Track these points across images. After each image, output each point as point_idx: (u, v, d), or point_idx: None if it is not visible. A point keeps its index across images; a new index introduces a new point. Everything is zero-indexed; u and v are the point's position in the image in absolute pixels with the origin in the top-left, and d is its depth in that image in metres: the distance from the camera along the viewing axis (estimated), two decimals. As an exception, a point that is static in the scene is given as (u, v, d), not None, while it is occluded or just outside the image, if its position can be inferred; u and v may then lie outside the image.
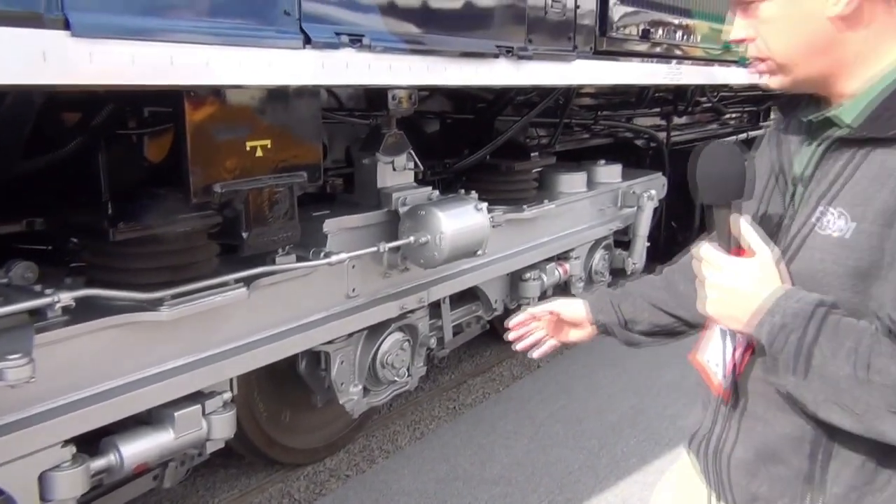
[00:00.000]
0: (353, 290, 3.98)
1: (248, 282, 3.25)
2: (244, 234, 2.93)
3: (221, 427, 3.25)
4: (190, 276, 3.08)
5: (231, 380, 3.42)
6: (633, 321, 1.86)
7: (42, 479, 2.70)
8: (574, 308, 1.93)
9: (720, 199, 1.35)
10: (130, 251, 2.98)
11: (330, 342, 3.97)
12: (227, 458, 4.41)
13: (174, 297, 2.98)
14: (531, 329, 1.98)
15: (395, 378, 4.36)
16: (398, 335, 4.33)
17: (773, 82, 1.38)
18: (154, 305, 2.94)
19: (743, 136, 9.72)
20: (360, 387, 4.24)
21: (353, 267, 3.93)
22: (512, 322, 2.01)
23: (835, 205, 1.28)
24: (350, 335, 4.09)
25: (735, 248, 1.36)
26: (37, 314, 2.71)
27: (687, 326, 1.81)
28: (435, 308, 4.74)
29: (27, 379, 2.37)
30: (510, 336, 2.01)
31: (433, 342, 4.69)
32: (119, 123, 3.03)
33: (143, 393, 2.94)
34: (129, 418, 2.96)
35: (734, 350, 1.46)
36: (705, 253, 1.39)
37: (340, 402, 4.17)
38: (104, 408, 2.82)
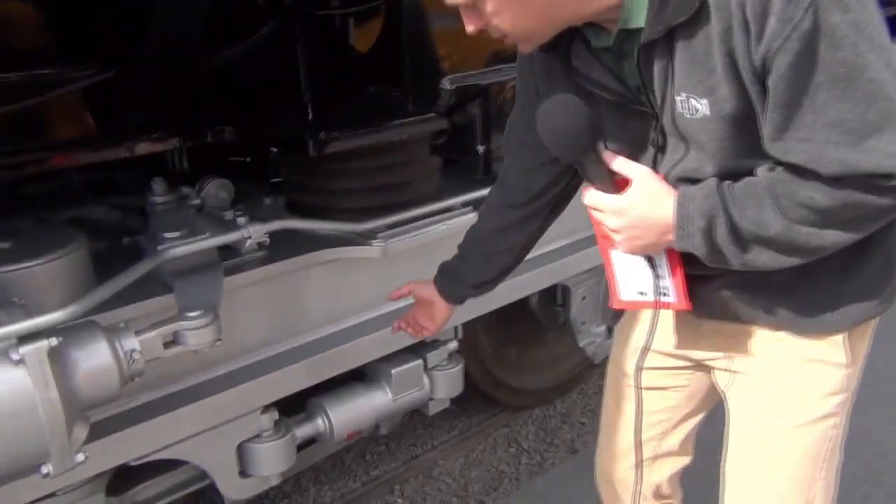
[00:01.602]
0: (602, 209, 3.15)
1: (476, 205, 2.53)
2: (480, 148, 2.18)
3: (447, 384, 2.64)
4: (407, 199, 2.41)
5: (456, 327, 2.79)
6: (481, 282, 1.85)
7: (241, 451, 2.22)
8: (426, 288, 1.90)
9: (585, 149, 1.34)
10: (335, 168, 2.34)
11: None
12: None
13: (389, 227, 2.33)
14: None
15: (646, 317, 3.53)
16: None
17: (524, 48, 1.38)
18: (366, 238, 2.31)
19: None
20: (604, 327, 3.47)
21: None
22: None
23: (679, 93, 1.29)
24: (593, 267, 3.29)
25: (618, 182, 1.37)
26: (228, 248, 2.18)
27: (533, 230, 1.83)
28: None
29: (212, 343, 1.83)
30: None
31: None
32: (318, 2, 2.34)
33: (356, 346, 2.36)
34: (337, 376, 2.40)
35: (669, 265, 1.44)
36: (591, 201, 1.39)
37: (580, 344, 3.44)
38: (310, 365, 2.27)
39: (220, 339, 1.86)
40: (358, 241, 2.33)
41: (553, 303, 3.46)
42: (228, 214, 2.20)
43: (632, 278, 1.49)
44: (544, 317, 3.52)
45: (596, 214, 1.40)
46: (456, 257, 1.86)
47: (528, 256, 2.83)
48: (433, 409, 2.68)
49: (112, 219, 2.43)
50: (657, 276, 1.45)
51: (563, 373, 4.08)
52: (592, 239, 3.12)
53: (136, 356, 1.67)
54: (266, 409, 2.22)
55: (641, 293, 1.50)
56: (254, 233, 2.05)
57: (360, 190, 2.39)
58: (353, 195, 2.39)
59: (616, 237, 1.39)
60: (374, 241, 2.31)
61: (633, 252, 1.40)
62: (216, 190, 2.36)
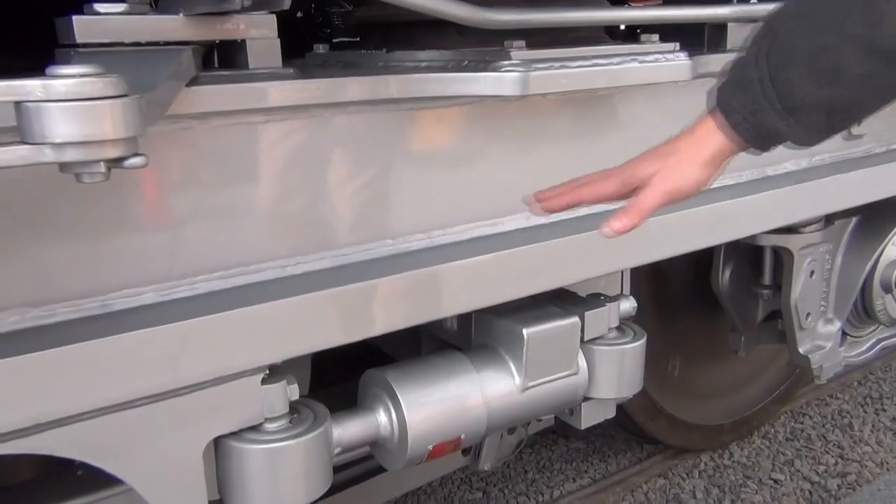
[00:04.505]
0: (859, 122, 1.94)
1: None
2: None
3: (619, 374, 1.44)
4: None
5: (622, 273, 1.66)
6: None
7: (219, 454, 1.10)
8: None
9: None
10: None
11: (789, 229, 1.99)
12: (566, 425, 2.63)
13: (537, 41, 1.24)
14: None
15: (902, 315, 2.27)
16: (917, 231, 2.22)
17: None
18: (492, 60, 1.20)
19: None
20: (838, 326, 2.21)
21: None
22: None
23: None
24: (830, 219, 2.07)
25: None
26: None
27: None
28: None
29: (118, 151, 0.73)
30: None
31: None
32: None
33: (452, 274, 1.22)
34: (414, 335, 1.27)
35: None
36: None
37: (800, 349, 2.18)
38: (357, 298, 1.14)
39: (140, 157, 0.76)
40: (471, 67, 1.21)
41: (757, 281, 2.23)
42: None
43: None
44: (737, 306, 2.29)
45: None
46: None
47: (723, 180, 1.72)
48: (589, 417, 1.49)
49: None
50: None
51: (748, 401, 2.82)
52: (838, 167, 1.94)
53: None
54: (273, 374, 1.09)
55: None
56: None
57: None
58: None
59: None
60: (505, 63, 1.18)
61: None
62: None
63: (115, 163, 0.75)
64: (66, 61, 1.01)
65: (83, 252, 1.01)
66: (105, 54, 1.00)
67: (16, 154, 0.70)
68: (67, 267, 1.00)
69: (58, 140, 0.70)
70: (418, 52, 1.32)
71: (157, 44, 1.10)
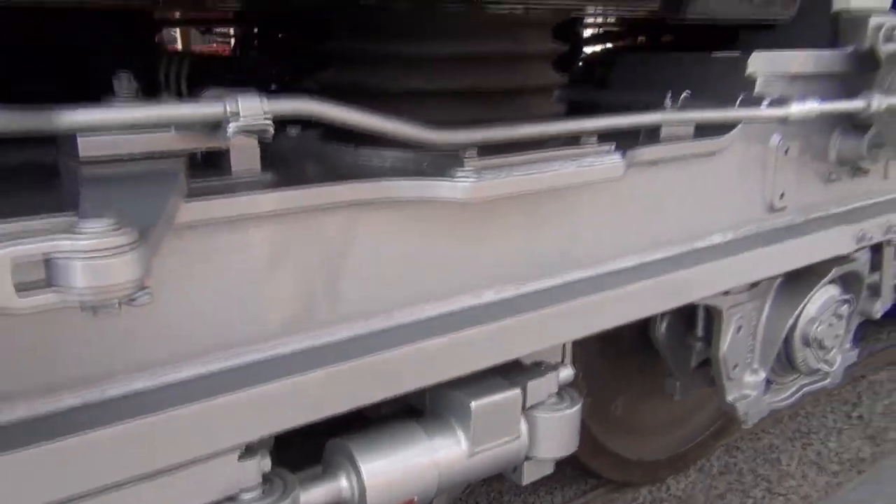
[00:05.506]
0: (781, 196, 2.15)
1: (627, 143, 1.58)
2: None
3: (556, 436, 1.61)
4: (512, 116, 1.47)
5: (564, 345, 1.81)
6: None
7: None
8: None
9: None
10: (401, 51, 1.41)
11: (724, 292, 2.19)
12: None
13: (483, 153, 1.39)
14: None
15: (821, 364, 2.48)
16: (833, 291, 2.44)
17: None
18: (444, 169, 1.35)
19: None
20: (763, 376, 2.42)
21: (787, 152, 2.11)
22: None
23: None
24: (757, 282, 2.28)
25: None
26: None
27: None
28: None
29: (129, 290, 0.88)
30: None
31: (875, 307, 2.72)
32: None
33: (410, 355, 1.37)
34: (376, 407, 1.42)
35: None
36: None
37: (727, 398, 2.38)
38: (331, 379, 1.28)
39: (147, 291, 0.90)
40: (429, 173, 1.37)
41: (690, 333, 2.43)
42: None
43: None
44: (670, 352, 2.48)
45: None
46: None
47: (656, 256, 1.90)
48: (530, 475, 1.65)
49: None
50: None
51: (683, 439, 3.01)
52: (765, 237, 2.13)
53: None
54: (248, 452, 1.23)
55: None
56: (244, 111, 1.09)
57: (437, 94, 1.45)
58: (425, 100, 1.44)
59: None
60: (458, 174, 1.34)
61: None
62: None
63: (127, 300, 0.89)
64: (76, 182, 1.13)
65: (85, 343, 1.14)
66: (112, 180, 1.12)
67: (46, 298, 0.84)
68: (70, 357, 1.13)
69: (80, 286, 0.84)
70: (383, 150, 1.47)
71: (150, 153, 1.23)
